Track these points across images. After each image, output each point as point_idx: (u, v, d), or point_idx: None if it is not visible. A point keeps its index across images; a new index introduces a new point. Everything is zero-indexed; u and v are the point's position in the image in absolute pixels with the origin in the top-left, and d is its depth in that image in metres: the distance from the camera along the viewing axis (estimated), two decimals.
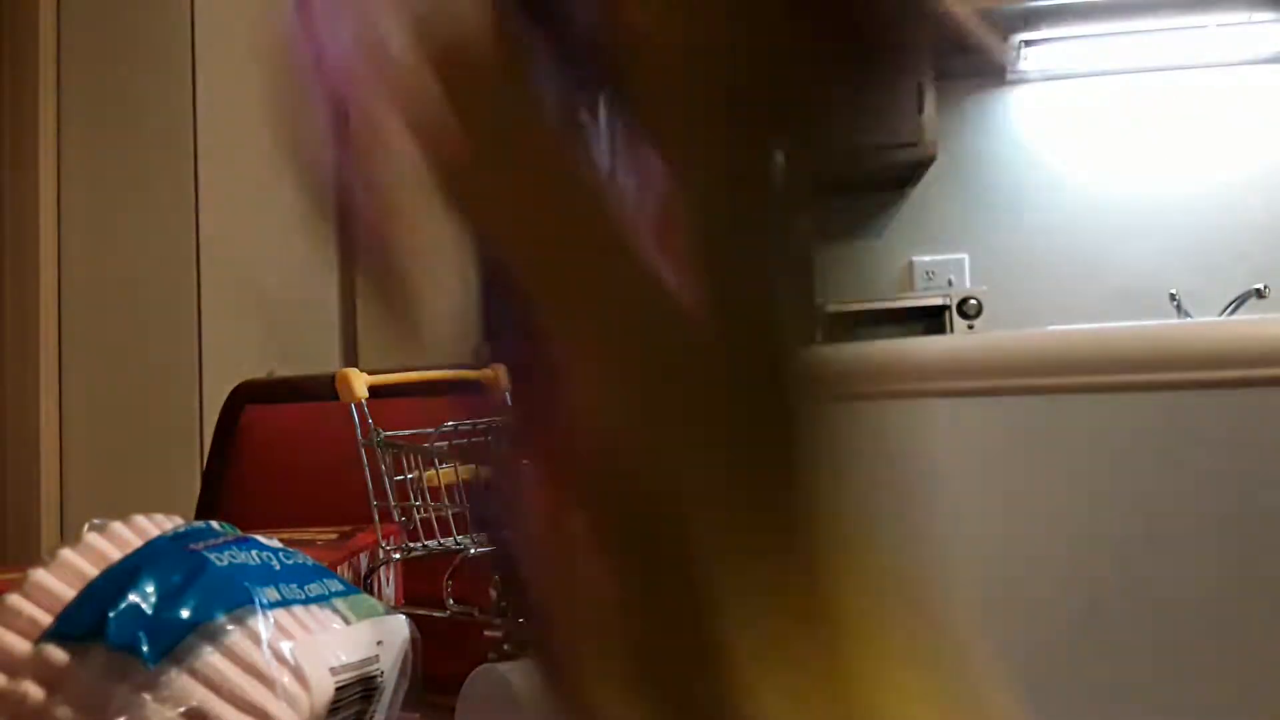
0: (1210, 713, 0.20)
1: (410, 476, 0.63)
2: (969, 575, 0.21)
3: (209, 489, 1.10)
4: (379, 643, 0.34)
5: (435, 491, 0.63)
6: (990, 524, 0.22)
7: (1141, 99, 2.85)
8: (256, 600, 0.32)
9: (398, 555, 0.63)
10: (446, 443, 0.66)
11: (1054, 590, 0.21)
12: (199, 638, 0.30)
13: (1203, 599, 0.20)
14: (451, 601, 0.59)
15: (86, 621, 0.30)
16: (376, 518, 0.63)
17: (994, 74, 2.88)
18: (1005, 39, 2.75)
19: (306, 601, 0.32)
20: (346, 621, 0.33)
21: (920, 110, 2.55)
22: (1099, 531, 0.21)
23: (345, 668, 0.33)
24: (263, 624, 0.31)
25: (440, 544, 0.62)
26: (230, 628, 0.31)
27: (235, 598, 0.31)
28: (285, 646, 0.31)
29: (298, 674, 0.31)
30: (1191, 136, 2.82)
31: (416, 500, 0.62)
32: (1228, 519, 0.20)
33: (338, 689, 0.32)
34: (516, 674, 0.38)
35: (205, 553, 0.32)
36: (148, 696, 0.29)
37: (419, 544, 0.62)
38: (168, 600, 0.30)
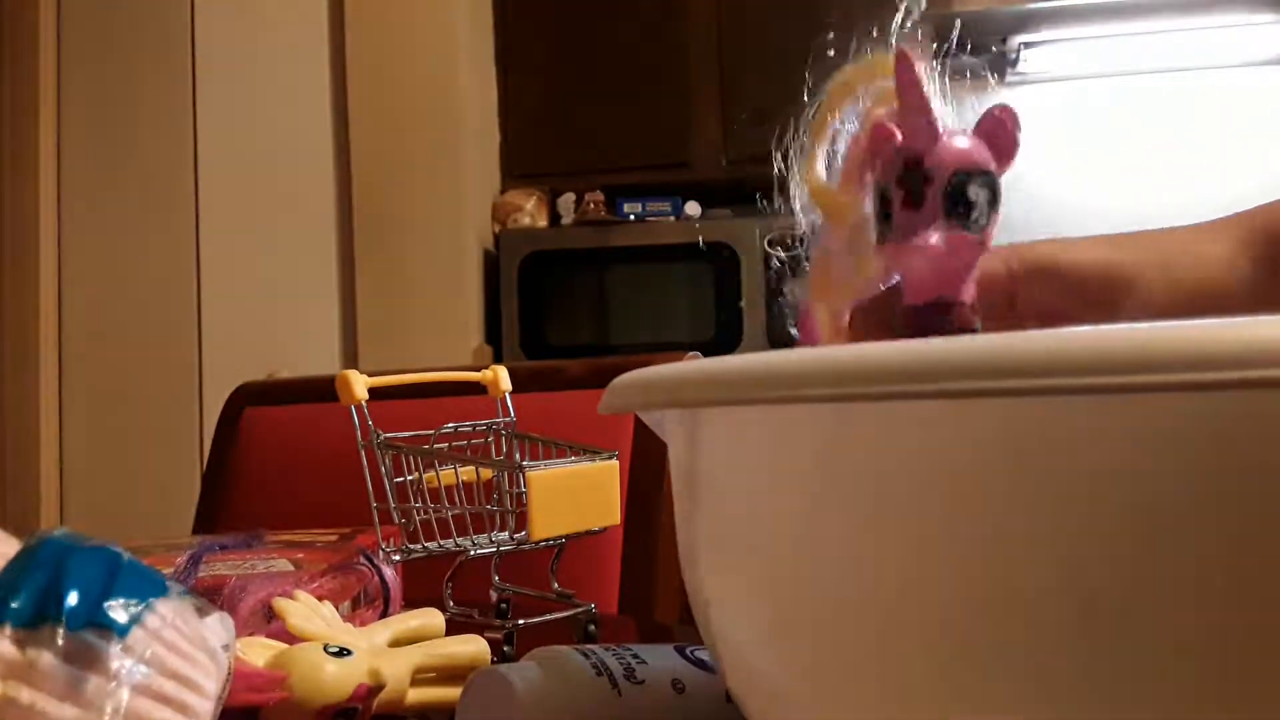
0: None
1: (410, 478, 0.63)
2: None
3: (209, 490, 1.10)
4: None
5: (435, 493, 0.63)
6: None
7: (1141, 101, 2.85)
8: (170, 588, 0.34)
9: (398, 557, 0.63)
10: (446, 444, 0.66)
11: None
12: (133, 621, 0.32)
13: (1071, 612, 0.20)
14: (451, 603, 0.59)
15: (29, 609, 0.30)
16: (376, 519, 0.63)
17: (995, 74, 2.88)
18: (1005, 40, 2.75)
19: (183, 594, 0.35)
20: (201, 614, 0.35)
21: None
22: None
23: (225, 649, 0.35)
24: (176, 608, 0.33)
25: (440, 546, 0.62)
26: (160, 611, 0.33)
27: (156, 584, 0.33)
28: (194, 627, 0.34)
29: (209, 652, 0.34)
30: (1192, 138, 2.82)
31: (416, 502, 0.62)
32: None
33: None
34: (517, 675, 0.38)
35: (109, 547, 0.33)
36: (111, 678, 0.30)
37: (419, 545, 0.62)
38: (105, 587, 0.32)
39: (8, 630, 0.30)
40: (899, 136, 0.36)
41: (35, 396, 2.04)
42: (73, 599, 0.30)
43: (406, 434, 0.63)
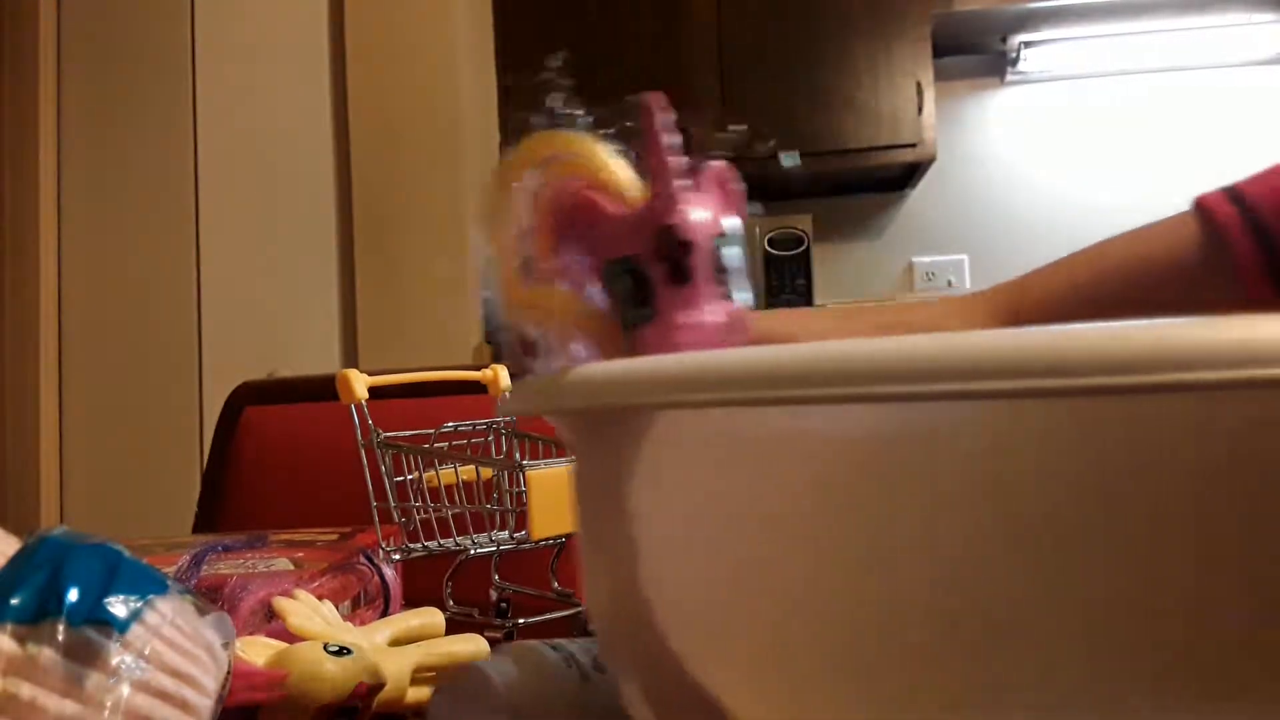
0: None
1: (410, 477, 0.63)
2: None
3: (209, 490, 1.10)
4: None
5: (435, 492, 0.63)
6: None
7: (1141, 100, 2.85)
8: (170, 586, 0.34)
9: (398, 556, 0.63)
10: (446, 444, 0.66)
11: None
12: (133, 617, 0.32)
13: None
14: (451, 602, 0.59)
15: (30, 605, 0.30)
16: (376, 518, 0.63)
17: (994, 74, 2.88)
18: (1005, 39, 2.75)
19: (183, 593, 0.35)
20: (200, 612, 0.35)
21: (920, 111, 2.55)
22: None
23: (224, 647, 0.35)
24: (175, 606, 0.33)
25: (440, 545, 0.62)
26: (160, 608, 0.33)
27: (155, 582, 0.33)
28: (194, 625, 0.34)
29: (209, 649, 0.34)
30: (1191, 138, 2.82)
31: (416, 501, 0.62)
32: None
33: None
34: (493, 669, 0.39)
35: (108, 545, 0.33)
36: (112, 673, 0.30)
37: (419, 545, 0.62)
38: (105, 584, 0.32)
39: (8, 627, 0.30)
40: (607, 207, 0.32)
41: (35, 396, 2.04)
42: (73, 595, 0.31)
43: (406, 433, 0.63)
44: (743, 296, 0.32)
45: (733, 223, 0.32)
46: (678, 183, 0.31)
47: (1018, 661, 0.19)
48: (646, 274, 0.31)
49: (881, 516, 0.20)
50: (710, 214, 0.31)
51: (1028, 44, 2.73)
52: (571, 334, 0.32)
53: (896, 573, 0.20)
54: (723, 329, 0.31)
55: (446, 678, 0.41)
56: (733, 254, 0.32)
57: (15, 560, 0.32)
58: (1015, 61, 2.80)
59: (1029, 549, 0.19)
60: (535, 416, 0.28)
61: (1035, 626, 0.19)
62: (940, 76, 2.68)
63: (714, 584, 0.23)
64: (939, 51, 2.62)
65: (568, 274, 0.32)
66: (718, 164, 0.32)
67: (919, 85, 2.55)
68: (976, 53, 2.86)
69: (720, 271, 0.31)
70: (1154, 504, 0.18)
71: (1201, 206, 0.40)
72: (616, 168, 0.32)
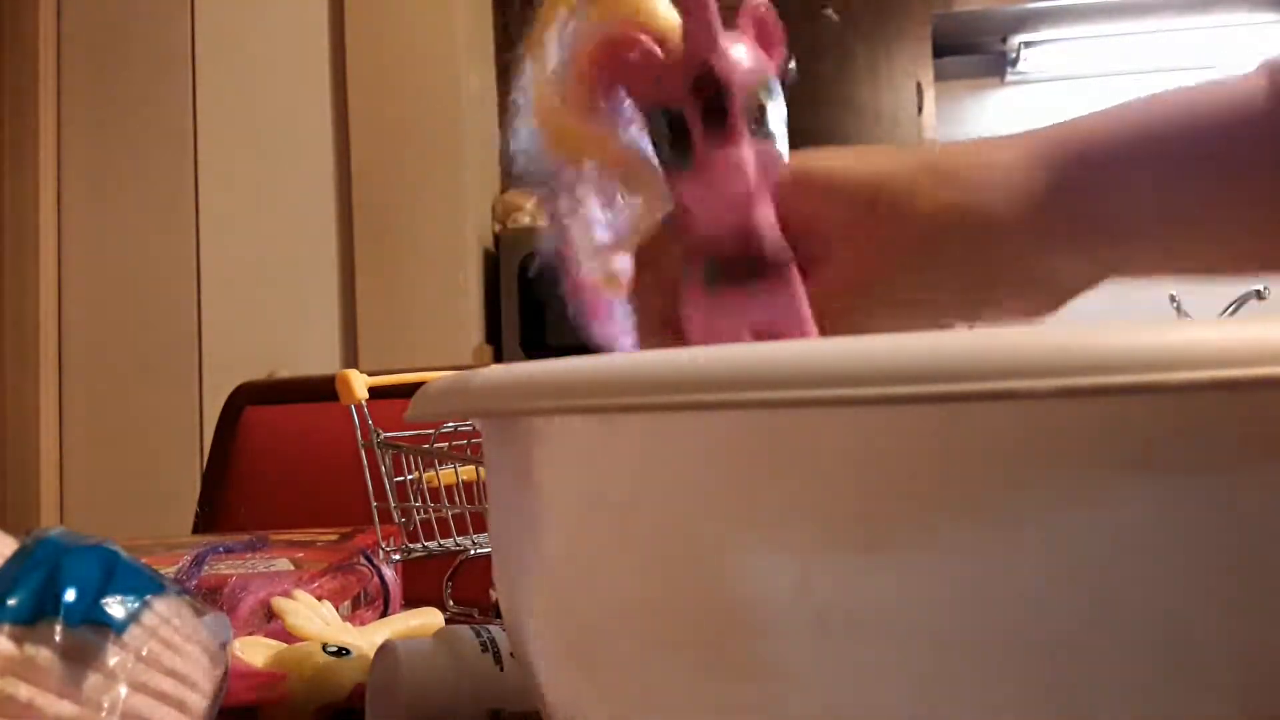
0: None
1: (410, 478, 0.63)
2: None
3: (209, 490, 1.10)
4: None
5: (435, 492, 0.63)
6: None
7: None
8: (167, 586, 0.34)
9: (398, 556, 0.63)
10: (446, 444, 0.66)
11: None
12: (130, 618, 0.32)
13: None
14: (451, 603, 0.60)
15: (27, 606, 0.30)
16: (376, 519, 0.63)
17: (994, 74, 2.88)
18: (1005, 40, 2.75)
19: (180, 593, 0.35)
20: (198, 613, 0.35)
21: (920, 111, 2.55)
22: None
23: (222, 647, 0.35)
24: (173, 606, 0.33)
25: (440, 545, 0.62)
26: (157, 608, 0.33)
27: (153, 583, 0.33)
28: (191, 625, 0.34)
29: (206, 650, 0.34)
30: None
31: (416, 501, 0.62)
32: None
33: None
34: (406, 648, 0.39)
35: (105, 545, 0.33)
36: (109, 674, 0.30)
37: (419, 545, 0.62)
38: (102, 584, 0.32)
39: (5, 627, 0.30)
40: (656, 50, 0.30)
41: (35, 396, 2.04)
42: (70, 596, 0.31)
43: (406, 433, 0.63)
44: (780, 145, 0.31)
45: (770, 66, 0.31)
46: (714, 20, 0.30)
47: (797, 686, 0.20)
48: (684, 120, 0.30)
49: (739, 526, 0.20)
50: (748, 55, 0.30)
51: (1028, 44, 2.73)
52: (609, 174, 0.32)
53: (753, 581, 0.20)
54: (759, 173, 0.30)
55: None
56: (769, 97, 0.31)
57: (12, 561, 0.31)
58: (1015, 61, 2.80)
59: (882, 555, 0.19)
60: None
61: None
62: (940, 76, 2.68)
63: (593, 597, 0.23)
64: (939, 51, 2.62)
65: (608, 115, 0.32)
66: (760, 5, 0.31)
67: (919, 85, 2.55)
68: (976, 53, 2.86)
69: (759, 118, 0.30)
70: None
71: (1268, 60, 0.39)
72: (656, 6, 0.31)
